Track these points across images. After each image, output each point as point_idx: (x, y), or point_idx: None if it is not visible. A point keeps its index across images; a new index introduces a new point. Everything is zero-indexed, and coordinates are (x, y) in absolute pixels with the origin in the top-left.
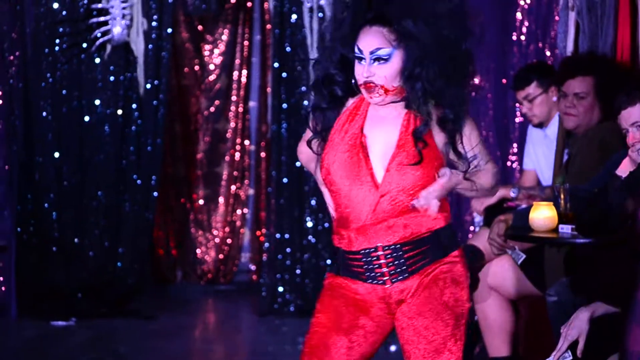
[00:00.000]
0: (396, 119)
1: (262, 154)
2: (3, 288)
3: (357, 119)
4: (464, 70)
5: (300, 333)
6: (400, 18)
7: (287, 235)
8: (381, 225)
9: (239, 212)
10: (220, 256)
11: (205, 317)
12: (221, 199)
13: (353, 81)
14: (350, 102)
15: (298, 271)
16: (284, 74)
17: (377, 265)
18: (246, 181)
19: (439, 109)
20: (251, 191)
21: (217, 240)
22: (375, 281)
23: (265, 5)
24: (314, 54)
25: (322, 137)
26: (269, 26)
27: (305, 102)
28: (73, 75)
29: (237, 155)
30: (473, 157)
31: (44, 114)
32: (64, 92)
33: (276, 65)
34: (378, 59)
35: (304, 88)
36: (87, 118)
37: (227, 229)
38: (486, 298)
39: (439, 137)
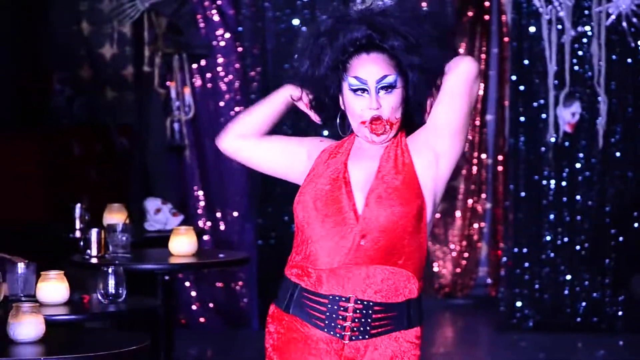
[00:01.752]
0: (379, 149)
1: (500, 168)
2: (245, 300)
3: (339, 155)
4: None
5: (540, 348)
6: (399, 45)
7: (525, 250)
8: (359, 272)
9: (475, 225)
10: (458, 270)
11: (444, 331)
12: (458, 213)
13: (338, 121)
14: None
15: (537, 286)
16: (522, 87)
17: (341, 317)
18: (483, 195)
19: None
20: (488, 205)
21: (454, 254)
22: (333, 332)
23: (503, 17)
24: (552, 67)
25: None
26: (506, 39)
27: (543, 115)
28: None
29: (474, 169)
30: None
31: (284, 127)
32: None
33: (514, 78)
34: (385, 87)
35: (542, 101)
36: (325, 132)
37: (464, 243)
38: None
39: (420, 165)
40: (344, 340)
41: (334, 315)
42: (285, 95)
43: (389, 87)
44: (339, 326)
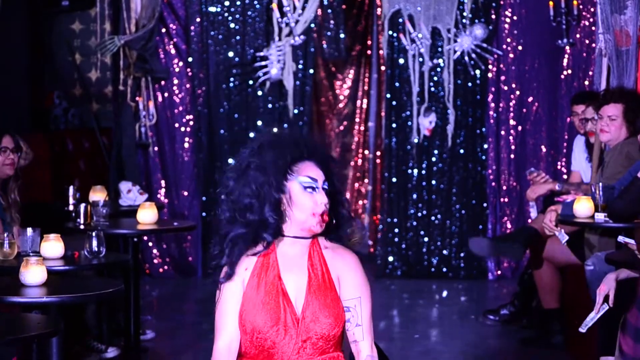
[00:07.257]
0: (302, 258)
1: (378, 161)
2: (192, 256)
3: (271, 265)
4: None
5: (405, 291)
6: (324, 157)
7: (395, 220)
8: None
9: (360, 202)
10: None
11: None
12: (347, 193)
13: (289, 214)
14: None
15: (403, 245)
16: (394, 102)
17: None
18: (366, 180)
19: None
20: (369, 187)
21: None
22: None
23: (381, 52)
24: (415, 88)
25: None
26: (383, 67)
27: (409, 123)
28: (242, 104)
29: (360, 161)
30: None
31: (222, 131)
32: (235, 115)
33: (388, 95)
34: (325, 188)
35: (408, 113)
36: (252, 134)
37: (352, 215)
38: (541, 266)
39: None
40: None
41: None
42: None
43: (326, 190)
44: None
